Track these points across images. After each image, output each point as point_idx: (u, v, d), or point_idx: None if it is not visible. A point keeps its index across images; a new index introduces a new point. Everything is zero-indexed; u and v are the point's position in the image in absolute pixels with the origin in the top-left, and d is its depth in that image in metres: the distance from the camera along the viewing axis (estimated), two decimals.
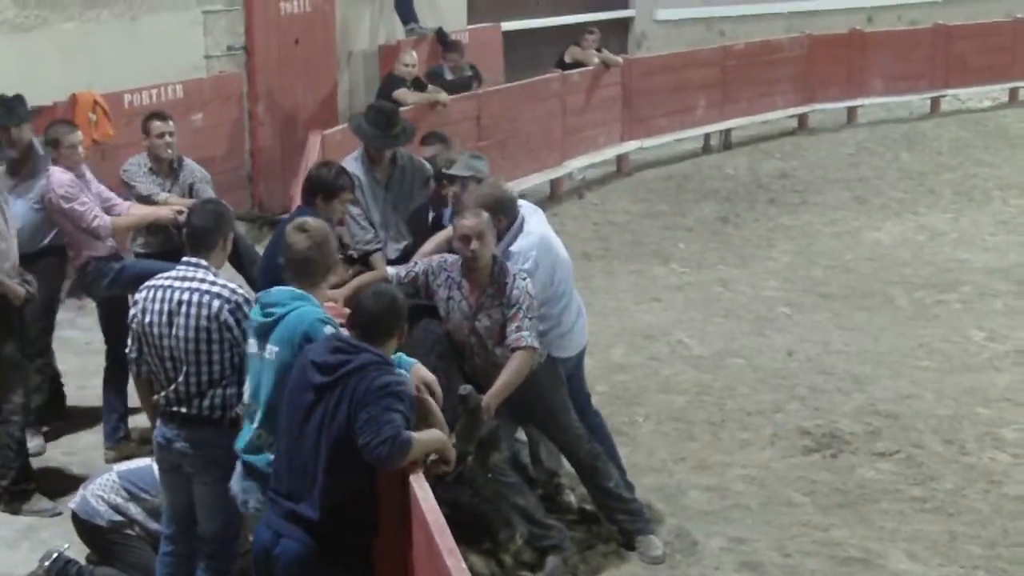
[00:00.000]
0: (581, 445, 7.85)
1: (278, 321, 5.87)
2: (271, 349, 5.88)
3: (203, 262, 6.39)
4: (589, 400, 8.32)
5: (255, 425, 5.96)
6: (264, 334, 5.91)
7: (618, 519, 7.95)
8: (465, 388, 6.77)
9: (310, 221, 6.17)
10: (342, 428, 5.43)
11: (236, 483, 6.10)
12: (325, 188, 7.96)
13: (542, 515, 7.71)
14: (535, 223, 7.75)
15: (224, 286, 6.31)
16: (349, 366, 5.50)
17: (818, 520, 8.31)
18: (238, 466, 6.09)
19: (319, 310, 5.99)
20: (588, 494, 8.10)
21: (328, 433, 5.46)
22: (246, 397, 6.06)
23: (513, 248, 7.58)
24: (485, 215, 7.30)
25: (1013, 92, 23.71)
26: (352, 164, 9.01)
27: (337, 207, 8.00)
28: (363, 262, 8.79)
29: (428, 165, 9.18)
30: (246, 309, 6.25)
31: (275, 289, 6.02)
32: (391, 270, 7.70)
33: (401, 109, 11.03)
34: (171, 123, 9.52)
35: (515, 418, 7.87)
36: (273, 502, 5.62)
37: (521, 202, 7.90)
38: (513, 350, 7.19)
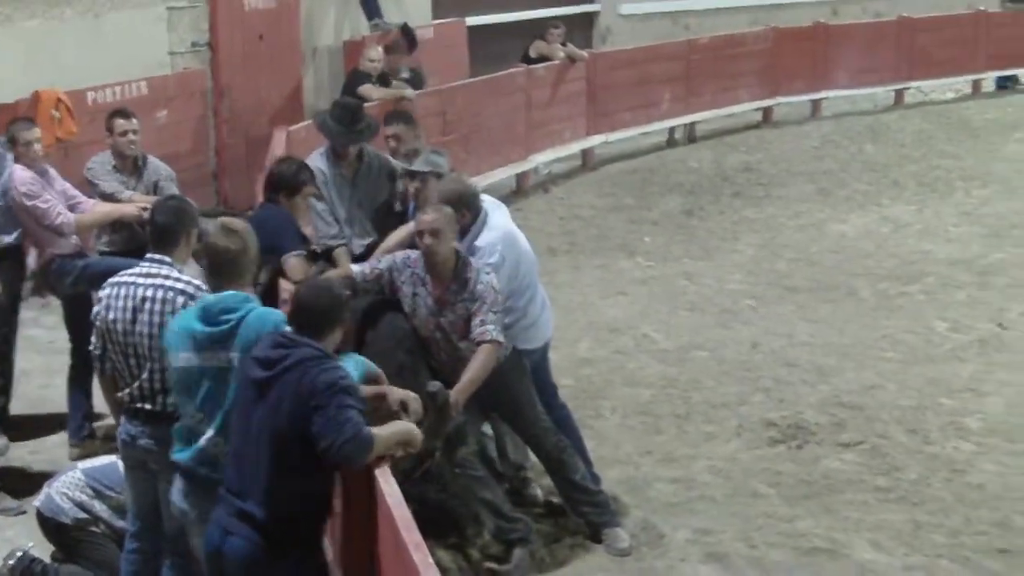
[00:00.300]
0: (547, 438, 7.87)
1: (236, 325, 5.82)
2: (230, 357, 5.79)
3: (167, 258, 6.38)
4: (556, 392, 8.34)
5: (211, 433, 5.86)
6: (219, 342, 5.82)
7: (584, 512, 7.97)
8: (434, 385, 6.81)
9: (235, 222, 6.13)
10: (284, 424, 5.40)
11: (180, 499, 6.02)
12: (287, 184, 8.04)
13: (509, 509, 7.73)
14: (499, 218, 7.80)
15: (188, 282, 6.30)
16: (288, 360, 5.47)
17: (783, 511, 8.35)
18: (179, 482, 6.01)
19: (277, 312, 5.99)
20: (555, 487, 8.12)
21: (270, 429, 5.43)
22: (191, 409, 5.92)
23: (478, 243, 7.61)
24: (445, 210, 7.33)
25: (976, 84, 23.88)
26: (318, 159, 9.01)
27: (300, 203, 8.08)
28: (327, 258, 8.79)
29: (394, 161, 9.18)
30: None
31: (215, 296, 5.93)
32: (355, 268, 7.71)
33: (366, 105, 11.02)
34: (135, 121, 9.49)
35: (482, 412, 7.90)
36: (223, 500, 5.59)
37: (484, 197, 7.93)
38: (478, 344, 7.21)
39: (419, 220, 7.39)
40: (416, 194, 8.23)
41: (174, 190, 9.37)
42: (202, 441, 5.86)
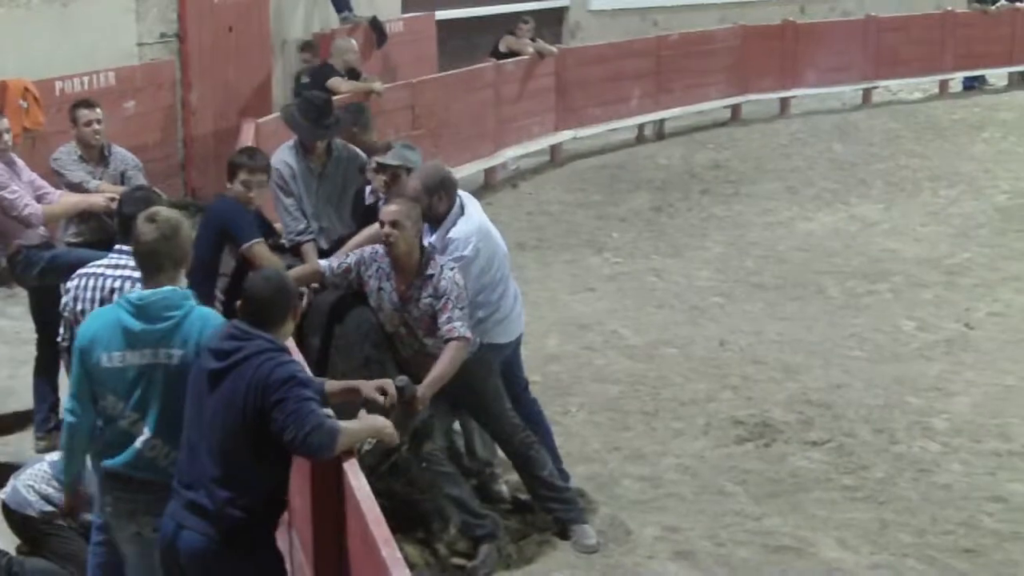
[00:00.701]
0: (515, 434, 7.87)
1: (179, 323, 5.67)
2: (171, 353, 5.65)
3: None
4: (526, 387, 8.34)
5: (147, 435, 5.71)
6: (161, 339, 5.66)
7: (552, 508, 7.96)
8: (401, 379, 6.74)
9: (161, 211, 5.94)
10: (237, 417, 5.36)
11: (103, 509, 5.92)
12: (227, 171, 8.21)
13: (476, 505, 7.72)
14: (473, 210, 7.79)
15: None
16: (241, 353, 5.41)
17: (750, 509, 8.35)
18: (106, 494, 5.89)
19: (218, 313, 5.91)
20: (522, 483, 8.11)
21: (222, 421, 5.39)
22: (123, 410, 5.73)
23: (453, 234, 7.61)
24: (411, 204, 7.37)
25: (943, 84, 23.98)
26: (285, 153, 8.96)
27: (238, 187, 8.09)
28: (294, 252, 8.75)
29: (363, 154, 9.14)
30: None
31: (151, 292, 5.72)
32: (323, 263, 7.71)
33: (335, 98, 10.97)
34: (99, 111, 9.46)
35: (450, 408, 7.89)
36: (176, 493, 5.56)
37: (459, 191, 7.92)
38: (446, 341, 7.21)
39: (382, 211, 7.43)
40: (386, 188, 8.21)
41: (141, 179, 9.35)
42: (138, 443, 5.71)
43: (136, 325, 5.65)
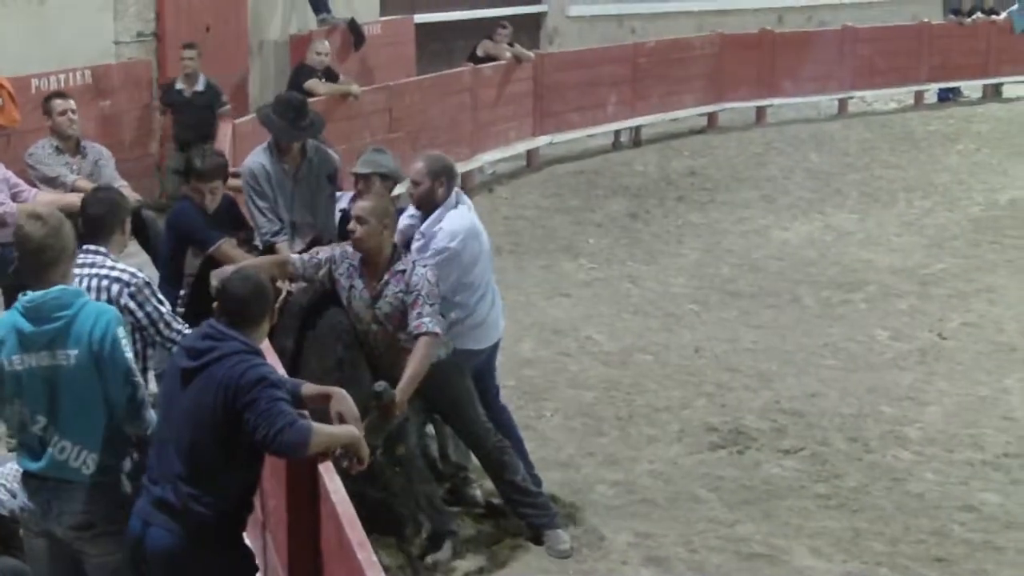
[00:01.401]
0: (488, 438, 7.86)
1: (70, 322, 5.54)
2: (67, 353, 5.53)
3: (102, 248, 6.34)
4: (498, 394, 8.33)
5: (56, 438, 5.59)
6: (53, 340, 5.53)
7: (525, 513, 7.95)
8: (380, 384, 6.85)
9: (42, 210, 5.85)
10: (206, 416, 5.36)
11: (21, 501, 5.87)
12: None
13: (440, 502, 7.82)
14: (467, 209, 7.83)
15: (124, 270, 6.28)
16: (214, 354, 5.42)
17: (724, 516, 8.36)
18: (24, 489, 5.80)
19: (112, 308, 5.79)
20: (495, 488, 8.11)
21: (190, 419, 5.39)
22: (33, 415, 5.60)
23: (444, 224, 7.64)
24: (380, 202, 7.43)
25: (918, 95, 24.05)
26: (260, 154, 8.88)
27: (195, 188, 8.20)
28: (268, 253, 8.70)
29: (336, 157, 9.11)
30: (147, 292, 6.24)
31: (43, 292, 5.56)
32: (293, 256, 7.74)
33: (312, 100, 10.94)
34: (72, 101, 9.47)
35: (424, 412, 7.89)
36: (145, 489, 5.55)
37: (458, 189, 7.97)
38: (416, 337, 7.22)
39: (354, 206, 7.51)
40: (359, 195, 8.19)
41: (112, 170, 9.36)
42: (50, 448, 5.62)
43: (27, 327, 5.54)
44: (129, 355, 5.62)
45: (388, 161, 8.28)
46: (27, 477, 5.76)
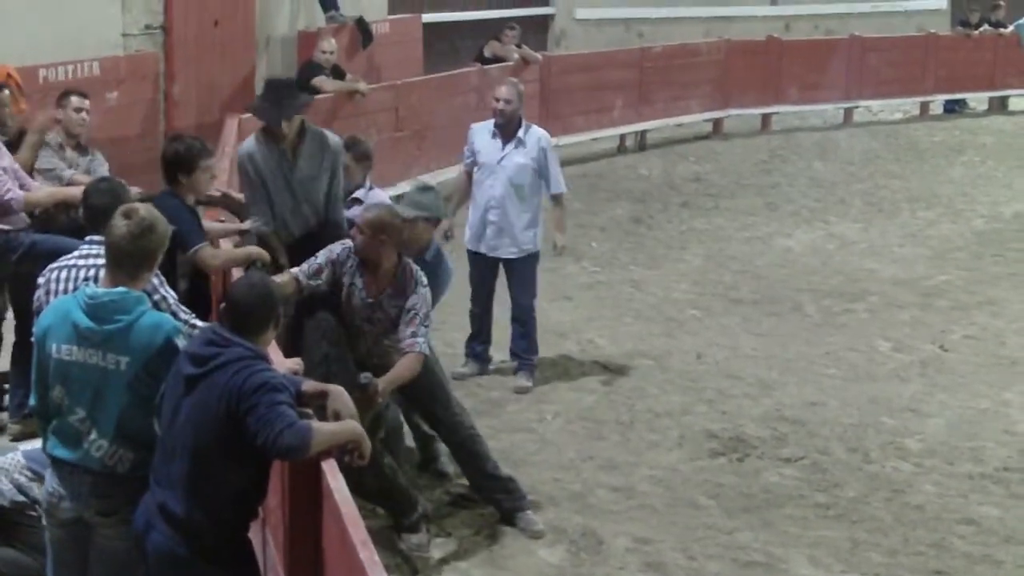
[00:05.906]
0: (462, 425, 8.13)
1: (126, 329, 5.55)
2: (118, 359, 5.55)
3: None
4: None
5: (95, 436, 5.60)
6: (105, 341, 5.54)
7: (497, 499, 8.19)
8: (365, 376, 7.22)
9: (139, 209, 5.76)
10: (208, 423, 5.33)
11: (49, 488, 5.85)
12: (182, 163, 7.83)
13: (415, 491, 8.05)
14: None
15: None
16: (219, 360, 5.38)
17: (722, 523, 8.36)
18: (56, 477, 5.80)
19: (170, 319, 5.81)
20: (466, 478, 8.33)
21: (193, 425, 5.37)
22: (72, 406, 5.63)
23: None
24: (384, 217, 7.64)
25: (924, 106, 24.02)
26: (249, 144, 8.71)
27: (200, 177, 7.87)
28: (260, 244, 8.62)
29: (337, 140, 8.91)
30: (154, 282, 6.19)
31: (105, 291, 5.60)
32: (296, 271, 7.75)
33: (319, 97, 10.89)
34: (87, 102, 9.48)
35: (401, 401, 8.17)
36: (152, 488, 5.54)
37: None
38: (404, 353, 7.51)
39: (360, 216, 7.80)
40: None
41: (104, 171, 9.36)
42: (85, 443, 5.63)
43: (84, 322, 5.56)
44: None
45: (432, 200, 8.37)
46: (58, 463, 5.75)
